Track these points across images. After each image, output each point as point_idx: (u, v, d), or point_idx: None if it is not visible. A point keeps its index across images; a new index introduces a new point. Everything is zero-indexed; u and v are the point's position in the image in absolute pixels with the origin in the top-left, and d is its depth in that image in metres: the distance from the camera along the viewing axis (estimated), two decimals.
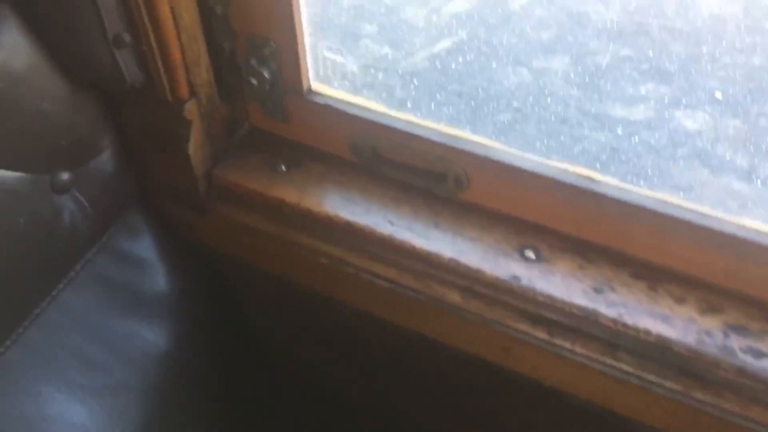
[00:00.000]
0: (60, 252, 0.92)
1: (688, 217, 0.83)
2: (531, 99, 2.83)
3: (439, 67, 3.01)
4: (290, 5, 0.88)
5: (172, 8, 0.83)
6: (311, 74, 0.98)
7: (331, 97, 0.98)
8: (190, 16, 0.87)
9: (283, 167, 1.01)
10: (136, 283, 1.00)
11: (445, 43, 3.11)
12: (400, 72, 3.05)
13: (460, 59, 3.06)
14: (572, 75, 2.85)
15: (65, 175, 0.90)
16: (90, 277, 0.96)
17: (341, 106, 0.97)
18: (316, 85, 0.98)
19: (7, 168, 0.83)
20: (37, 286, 0.92)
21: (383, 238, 0.94)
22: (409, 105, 2.89)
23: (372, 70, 3.00)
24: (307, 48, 0.94)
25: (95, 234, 0.96)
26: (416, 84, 2.96)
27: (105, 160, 0.94)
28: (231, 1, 0.91)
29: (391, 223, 0.95)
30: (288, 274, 1.04)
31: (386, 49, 3.11)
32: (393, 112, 0.95)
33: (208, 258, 1.08)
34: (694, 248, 0.84)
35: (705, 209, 0.83)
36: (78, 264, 0.96)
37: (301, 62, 0.95)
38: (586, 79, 2.83)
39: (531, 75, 2.90)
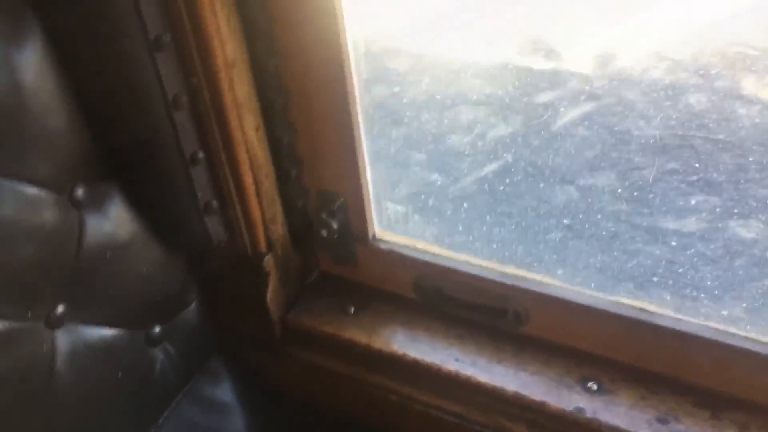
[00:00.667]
0: (151, 400, 1.00)
1: (744, 345, 0.86)
2: (581, 216, 2.88)
3: (488, 189, 3.10)
4: (357, 164, 0.99)
5: (254, 177, 0.95)
6: (376, 222, 1.07)
7: (395, 243, 1.06)
8: (269, 181, 0.98)
9: (352, 309, 1.08)
10: (218, 427, 1.06)
11: (491, 167, 3.22)
12: (450, 197, 3.16)
13: (508, 181, 3.15)
14: (620, 190, 2.91)
15: (157, 329, 0.99)
16: (176, 424, 1.03)
17: (405, 251, 1.05)
18: (380, 232, 1.07)
19: (108, 325, 0.93)
20: None
21: (449, 374, 0.99)
22: (460, 228, 2.97)
23: (423, 196, 3.11)
24: (372, 198, 1.04)
25: (181, 381, 1.04)
26: (466, 207, 3.05)
27: (191, 312, 1.03)
28: (303, 163, 1.02)
29: (457, 360, 1.00)
30: (359, 413, 1.08)
31: (435, 176, 3.23)
32: (454, 254, 1.03)
33: (285, 399, 1.14)
34: (753, 375, 0.86)
35: (760, 336, 0.86)
36: (166, 411, 1.03)
37: (367, 212, 1.04)
38: (635, 194, 2.87)
39: (578, 192, 2.96)
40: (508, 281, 0.99)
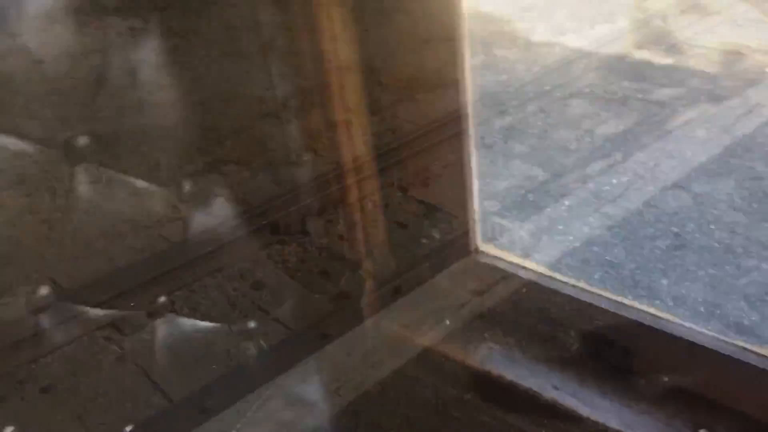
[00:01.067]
0: (239, 392, 1.01)
1: None
2: (692, 225, 2.72)
3: (592, 188, 2.98)
4: (465, 175, 0.95)
5: (358, 181, 0.92)
6: (479, 235, 1.02)
7: (499, 258, 1.01)
8: (373, 186, 0.96)
9: (448, 321, 1.05)
10: (301, 424, 1.06)
11: (598, 165, 3.08)
12: (551, 193, 3.05)
13: (614, 181, 3.01)
14: (737, 200, 2.72)
15: (252, 324, 0.99)
16: (261, 415, 1.03)
17: (509, 267, 1.00)
18: (483, 246, 1.03)
19: (206, 318, 0.94)
20: None
21: (547, 402, 0.94)
22: (560, 227, 2.87)
23: (522, 191, 3.02)
24: (477, 213, 1.00)
25: (271, 376, 1.04)
26: (567, 205, 2.94)
27: (286, 310, 1.03)
28: (409, 171, 0.99)
29: (556, 388, 0.95)
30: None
31: (537, 170, 3.13)
32: (562, 277, 0.97)
33: (368, 406, 1.12)
34: None
35: None
36: (254, 403, 1.03)
37: (471, 225, 1.00)
38: (754, 205, 2.68)
39: (691, 199, 2.79)
40: (618, 310, 0.93)
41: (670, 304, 2.47)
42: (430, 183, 0.93)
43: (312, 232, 0.92)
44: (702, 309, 2.44)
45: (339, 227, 0.92)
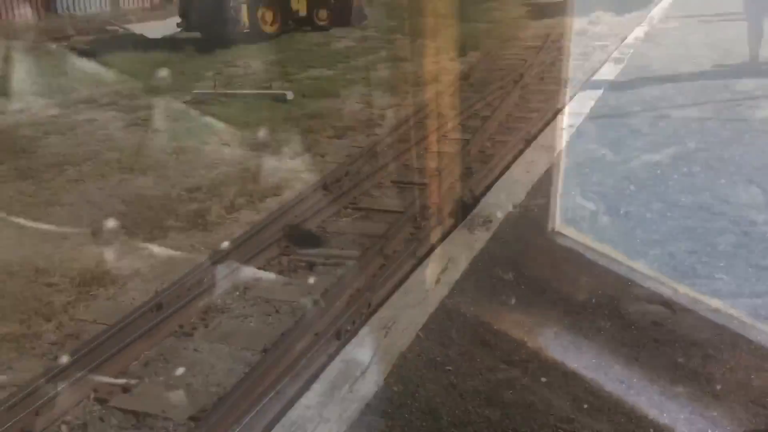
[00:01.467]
0: (294, 348, 0.98)
1: None
2: (760, 223, 2.60)
3: (660, 174, 2.87)
4: (553, 152, 0.89)
5: (438, 136, 0.87)
6: (558, 215, 0.97)
7: (577, 240, 0.96)
8: (451, 147, 0.91)
9: (513, 300, 1.00)
10: (354, 383, 1.04)
11: (669, 151, 2.97)
12: (616, 175, 2.96)
13: (685, 169, 2.90)
14: None
15: (312, 280, 0.96)
16: (314, 375, 1.01)
17: (586, 252, 0.95)
18: (561, 227, 0.98)
19: (266, 269, 0.91)
20: None
21: (610, 396, 0.89)
22: (621, 211, 2.78)
23: (586, 170, 2.93)
24: (559, 193, 0.94)
25: (328, 337, 1.02)
26: (632, 189, 2.84)
27: (350, 269, 0.99)
28: (495, 138, 0.93)
29: (622, 383, 0.90)
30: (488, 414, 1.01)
31: (605, 150, 3.03)
32: (644, 268, 0.92)
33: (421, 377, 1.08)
34: None
35: None
36: (304, 359, 1.01)
37: (551, 204, 0.94)
38: None
39: (764, 197, 2.67)
40: (705, 313, 0.87)
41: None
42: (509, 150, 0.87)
43: None
44: None
45: None
